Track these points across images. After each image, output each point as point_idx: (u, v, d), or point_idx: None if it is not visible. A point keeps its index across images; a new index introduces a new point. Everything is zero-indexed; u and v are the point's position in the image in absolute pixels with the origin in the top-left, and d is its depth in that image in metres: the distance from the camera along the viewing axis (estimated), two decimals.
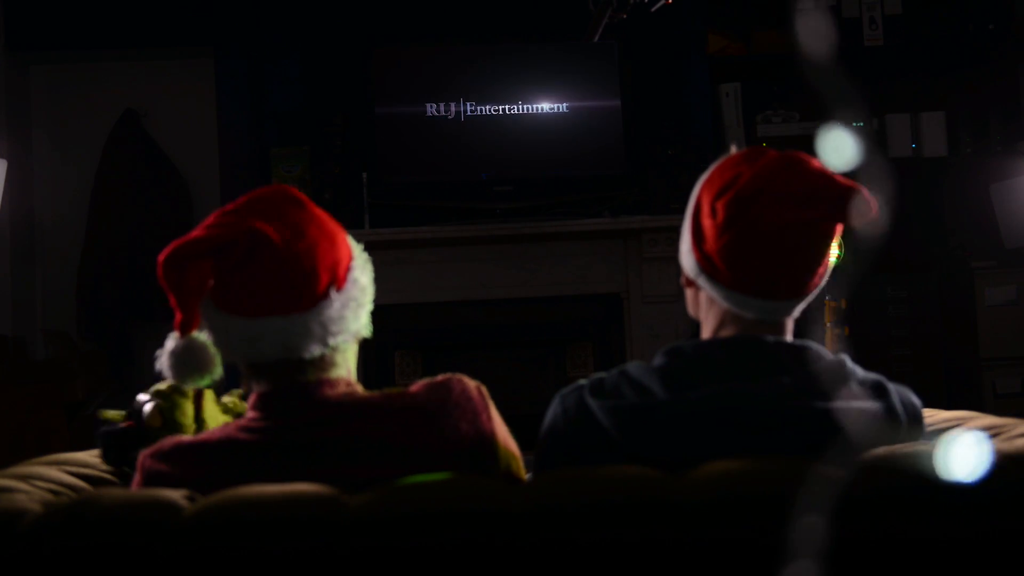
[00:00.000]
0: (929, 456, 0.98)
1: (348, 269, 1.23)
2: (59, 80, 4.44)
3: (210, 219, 1.20)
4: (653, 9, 2.26)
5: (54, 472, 1.22)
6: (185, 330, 1.16)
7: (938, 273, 4.16)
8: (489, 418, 1.20)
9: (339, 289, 1.20)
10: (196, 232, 1.17)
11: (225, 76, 4.06)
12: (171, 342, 1.19)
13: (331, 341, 1.20)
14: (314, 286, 1.18)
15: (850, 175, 1.22)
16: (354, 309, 1.22)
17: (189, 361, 1.18)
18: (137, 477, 1.19)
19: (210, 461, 1.15)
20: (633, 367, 1.24)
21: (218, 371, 1.20)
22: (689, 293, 1.34)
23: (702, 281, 1.27)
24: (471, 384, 1.22)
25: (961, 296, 4.04)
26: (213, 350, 1.19)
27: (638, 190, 3.88)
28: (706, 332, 1.30)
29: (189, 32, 4.20)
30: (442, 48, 3.90)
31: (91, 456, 1.37)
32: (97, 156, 4.33)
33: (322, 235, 1.21)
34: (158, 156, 4.36)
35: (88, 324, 4.24)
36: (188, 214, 4.31)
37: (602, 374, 1.25)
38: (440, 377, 1.22)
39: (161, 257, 1.13)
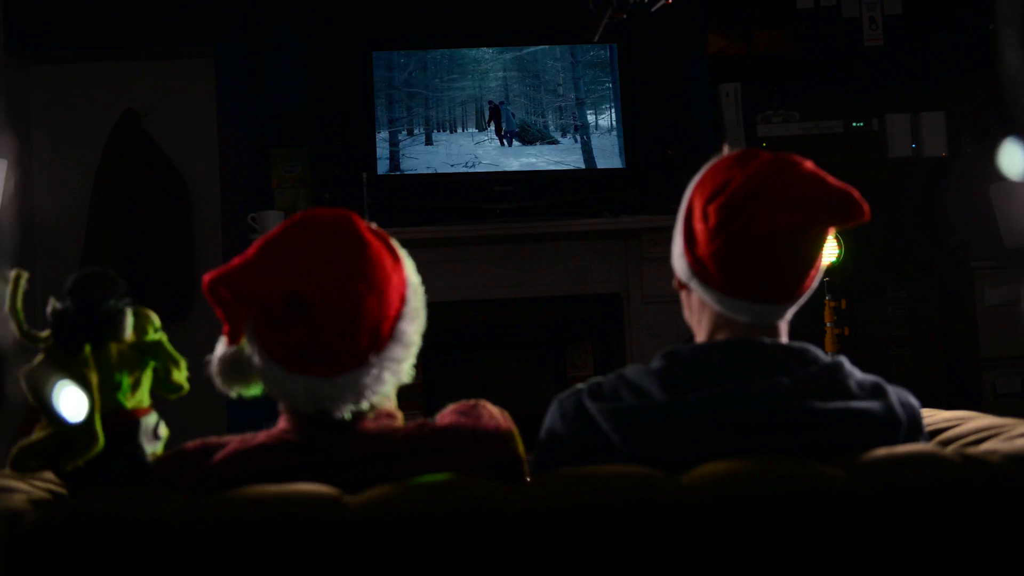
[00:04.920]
0: None
1: (395, 321, 1.16)
2: (59, 80, 4.43)
3: (253, 251, 1.15)
4: (653, 9, 2.26)
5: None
6: (233, 339, 1.15)
7: (938, 273, 4.15)
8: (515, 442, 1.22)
9: (379, 351, 1.14)
10: (240, 266, 1.12)
11: (225, 76, 4.07)
12: (221, 347, 1.17)
13: (364, 404, 1.16)
14: (351, 350, 1.12)
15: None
16: (393, 370, 1.17)
17: (235, 370, 1.16)
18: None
19: (241, 480, 1.12)
20: (631, 370, 1.24)
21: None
22: (683, 296, 1.35)
23: (694, 284, 1.27)
24: (496, 410, 1.24)
25: (961, 296, 4.04)
26: None
27: (638, 190, 3.88)
28: (700, 335, 1.30)
29: (189, 32, 4.19)
30: (441, 48, 3.89)
31: None
32: (97, 156, 4.33)
33: (370, 289, 1.13)
34: (158, 156, 4.35)
35: None
36: (188, 214, 4.30)
37: (600, 378, 1.25)
38: (468, 402, 1.24)
39: (207, 278, 1.11)
